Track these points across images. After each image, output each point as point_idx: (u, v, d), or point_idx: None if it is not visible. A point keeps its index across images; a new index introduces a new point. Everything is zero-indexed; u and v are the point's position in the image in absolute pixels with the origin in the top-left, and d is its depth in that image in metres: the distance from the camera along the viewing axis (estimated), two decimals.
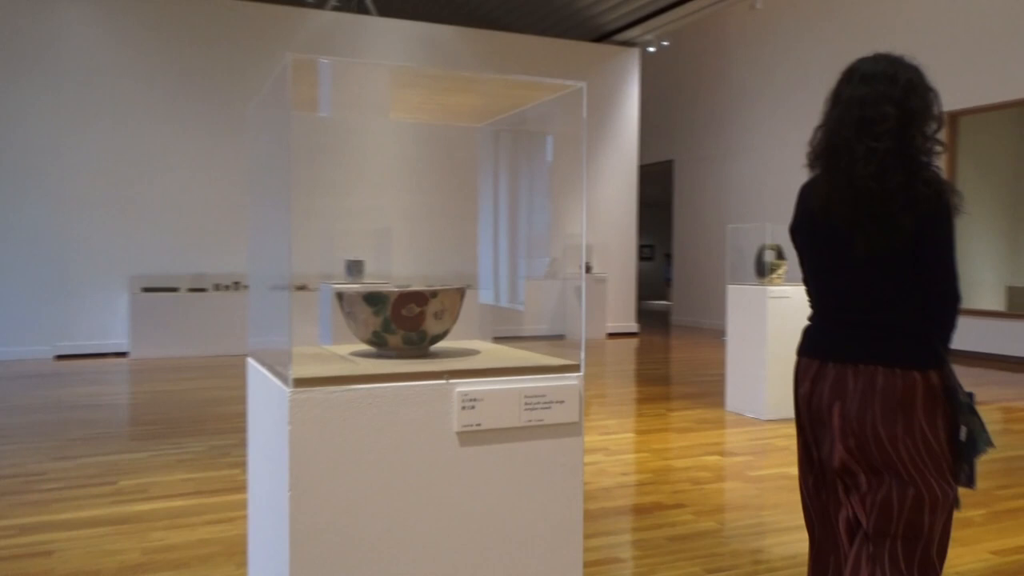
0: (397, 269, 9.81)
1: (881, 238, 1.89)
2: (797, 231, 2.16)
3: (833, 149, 1.96)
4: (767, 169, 13.35)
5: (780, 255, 6.65)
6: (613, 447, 5.48)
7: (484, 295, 9.16)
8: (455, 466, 1.63)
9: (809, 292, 2.16)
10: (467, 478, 1.64)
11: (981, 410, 1.98)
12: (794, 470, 4.93)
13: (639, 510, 4.22)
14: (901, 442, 1.90)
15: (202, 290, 10.39)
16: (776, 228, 7.75)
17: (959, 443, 1.92)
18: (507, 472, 1.67)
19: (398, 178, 11.12)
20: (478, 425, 1.62)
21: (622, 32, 13.26)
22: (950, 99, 10.42)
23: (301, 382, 1.51)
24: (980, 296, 10.82)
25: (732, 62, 14.28)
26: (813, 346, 2.08)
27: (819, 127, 2.04)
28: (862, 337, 1.96)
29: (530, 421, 1.66)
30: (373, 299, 1.71)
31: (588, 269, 12.61)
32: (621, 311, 13.05)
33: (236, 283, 10.54)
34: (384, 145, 11.22)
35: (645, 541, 3.74)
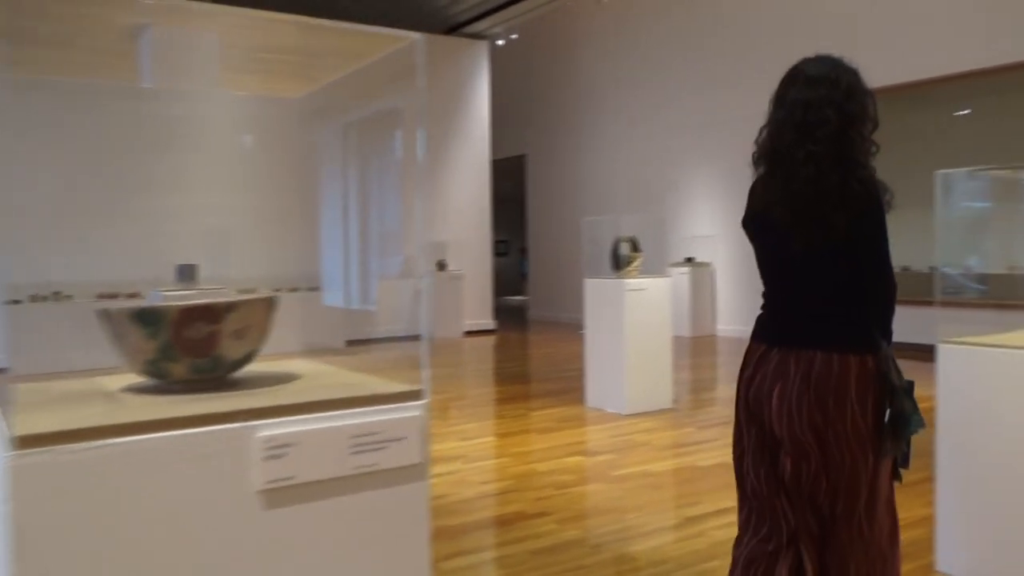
0: (238, 272, 9.12)
1: (817, 236, 2.00)
2: (747, 225, 2.23)
3: (775, 151, 2.07)
4: (618, 162, 13.46)
5: (635, 247, 6.57)
6: (473, 454, 5.19)
7: (332, 297, 8.66)
8: (258, 536, 1.24)
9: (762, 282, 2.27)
10: (275, 550, 1.25)
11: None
12: (655, 467, 4.84)
13: (501, 522, 3.95)
14: (833, 422, 2.01)
15: (16, 302, 9.29)
16: (631, 220, 7.71)
17: (885, 424, 2.04)
18: (331, 536, 1.31)
19: (232, 169, 10.39)
20: (290, 479, 1.25)
21: (471, 24, 13.00)
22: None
23: (29, 440, 1.06)
24: None
25: (582, 56, 14.33)
26: (762, 332, 2.19)
27: (764, 127, 2.12)
28: (804, 325, 2.09)
29: (360, 468, 1.30)
30: (147, 318, 1.31)
31: (442, 267, 12.29)
32: (478, 308, 12.82)
33: (56, 293, 9.51)
34: (213, 127, 10.45)
35: (508, 557, 3.47)
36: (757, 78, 11.12)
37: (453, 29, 13.15)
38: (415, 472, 1.36)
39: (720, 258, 11.74)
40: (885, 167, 2.15)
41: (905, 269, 10.67)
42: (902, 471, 2.14)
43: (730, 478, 4.51)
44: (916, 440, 2.11)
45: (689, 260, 11.83)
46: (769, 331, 2.16)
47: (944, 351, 3.03)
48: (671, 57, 12.46)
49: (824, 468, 2.05)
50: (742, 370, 2.22)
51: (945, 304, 3.34)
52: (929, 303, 3.23)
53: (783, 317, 2.15)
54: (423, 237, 12.28)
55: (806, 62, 2.12)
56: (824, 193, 1.98)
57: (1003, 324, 3.30)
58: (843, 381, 2.01)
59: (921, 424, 2.05)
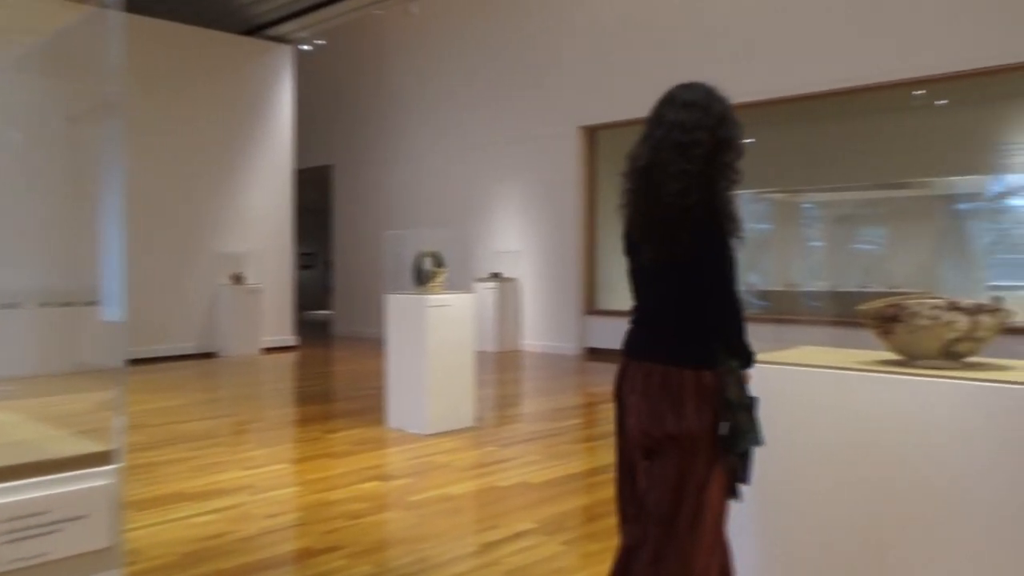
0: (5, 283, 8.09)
1: (663, 252, 2.15)
2: (624, 239, 2.34)
3: (651, 165, 2.17)
4: (427, 175, 13.33)
5: (439, 262, 6.42)
6: (260, 483, 4.80)
7: (110, 312, 7.85)
8: None
9: None
10: None
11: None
12: (455, 489, 4.67)
13: (285, 561, 3.63)
14: (670, 433, 2.14)
15: None
16: (436, 234, 7.56)
17: (720, 437, 2.13)
18: None
19: None
20: None
21: (274, 27, 12.43)
22: (590, 115, 11.20)
23: None
24: (618, 297, 11.68)
25: (390, 66, 14.09)
26: (626, 345, 2.32)
27: (642, 142, 2.24)
28: (653, 339, 2.24)
29: (19, 562, 0.98)
30: None
31: (239, 280, 11.59)
32: (278, 324, 12.19)
33: None
34: None
35: None
36: (564, 94, 11.45)
37: (255, 30, 12.51)
38: (102, 560, 1.05)
39: (526, 273, 11.88)
40: None
41: None
42: (741, 487, 2.23)
43: (529, 497, 4.46)
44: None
45: (495, 275, 11.87)
46: (628, 344, 2.30)
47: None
48: (479, 70, 12.52)
49: (660, 476, 2.18)
50: (615, 381, 2.36)
51: None
52: None
53: (638, 331, 2.29)
54: (224, 246, 11.54)
55: (681, 88, 2.25)
56: (682, 211, 2.09)
57: (783, 339, 3.42)
58: (680, 394, 2.13)
59: (756, 441, 2.17)
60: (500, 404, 7.66)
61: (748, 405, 2.16)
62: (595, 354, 11.01)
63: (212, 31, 11.87)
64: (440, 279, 6.39)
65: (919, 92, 9.23)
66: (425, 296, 6.17)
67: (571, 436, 6.09)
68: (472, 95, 12.59)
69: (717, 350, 2.14)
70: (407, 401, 6.19)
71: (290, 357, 11.45)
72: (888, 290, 9.14)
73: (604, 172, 11.34)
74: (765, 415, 2.86)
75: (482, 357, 11.44)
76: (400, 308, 6.35)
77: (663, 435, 2.15)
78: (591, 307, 11.30)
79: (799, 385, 2.81)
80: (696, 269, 2.14)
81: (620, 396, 2.31)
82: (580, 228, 11.30)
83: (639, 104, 10.27)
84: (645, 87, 10.83)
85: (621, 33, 10.81)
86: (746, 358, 2.19)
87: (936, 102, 9.54)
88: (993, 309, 2.70)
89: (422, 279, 6.37)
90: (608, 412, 7.29)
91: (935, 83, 8.69)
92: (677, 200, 2.10)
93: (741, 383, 2.15)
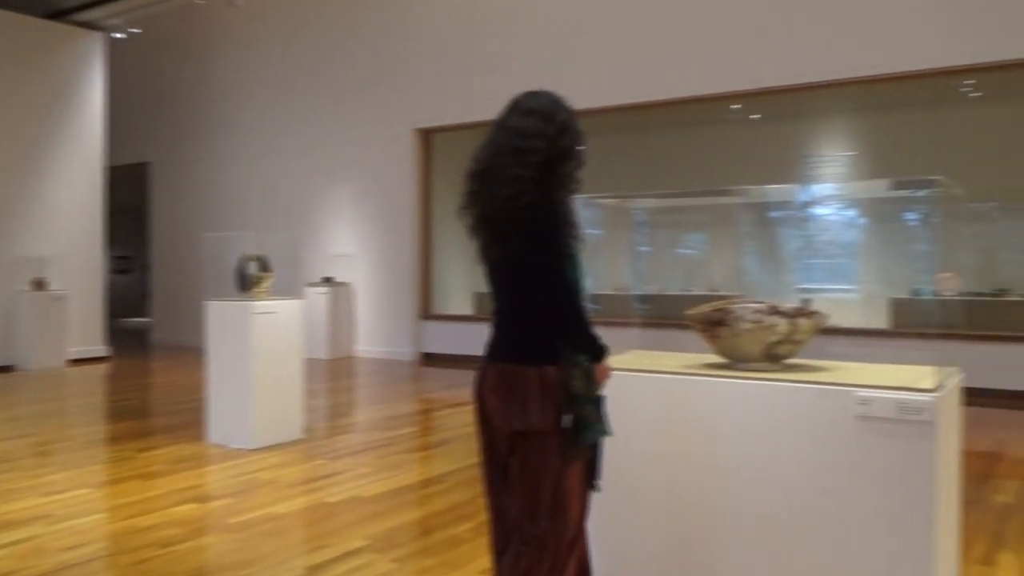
0: None
1: (497, 250, 2.24)
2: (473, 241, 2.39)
3: (489, 168, 2.23)
4: (255, 175, 12.73)
5: (265, 267, 6.09)
6: (59, 511, 4.33)
7: None
8: None
9: None
10: None
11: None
12: (281, 508, 4.38)
13: None
14: (523, 429, 2.19)
15: None
16: (262, 237, 7.17)
17: (565, 430, 2.17)
18: None
19: None
20: None
21: (82, 12, 11.45)
22: (426, 118, 11.06)
23: None
24: (453, 301, 11.63)
25: (216, 60, 13.35)
26: (485, 346, 2.35)
27: (484, 146, 2.29)
28: (502, 339, 2.31)
29: None
30: None
31: (41, 286, 10.58)
32: (87, 333, 11.22)
33: None
34: None
35: None
36: (400, 95, 11.24)
37: (59, 15, 11.47)
38: None
39: (361, 277, 11.59)
40: None
41: None
42: (598, 482, 2.30)
43: (360, 512, 4.27)
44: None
45: (328, 280, 11.50)
46: (486, 345, 2.35)
47: None
48: (312, 68, 12.09)
49: (518, 474, 2.23)
50: (474, 384, 2.39)
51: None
52: None
53: (493, 331, 2.34)
54: (26, 250, 10.48)
55: (527, 95, 2.31)
56: (512, 213, 2.15)
57: (613, 342, 3.43)
58: (525, 392, 2.19)
59: (603, 432, 2.23)
60: (331, 414, 7.37)
61: (595, 399, 2.20)
62: (431, 359, 10.89)
63: (11, 13, 10.77)
64: (266, 284, 6.06)
65: (735, 106, 9.78)
66: (249, 302, 5.82)
67: (405, 445, 5.94)
68: (305, 93, 12.14)
69: (560, 346, 2.19)
70: (230, 414, 5.82)
71: (100, 369, 10.56)
72: (709, 293, 9.60)
73: (440, 175, 11.26)
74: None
75: (313, 365, 11.05)
76: (222, 315, 5.96)
77: (513, 432, 2.22)
78: (427, 312, 11.17)
79: (630, 390, 2.81)
80: (529, 268, 2.19)
81: (480, 397, 2.34)
82: (416, 232, 11.15)
83: (475, 108, 10.36)
84: (481, 91, 10.97)
85: (459, 35, 10.76)
86: (595, 352, 2.24)
87: (751, 116, 10.14)
88: (810, 313, 2.81)
89: (246, 284, 6.01)
90: (445, 419, 7.21)
91: (749, 98, 9.22)
92: (507, 203, 2.16)
93: (589, 376, 2.20)
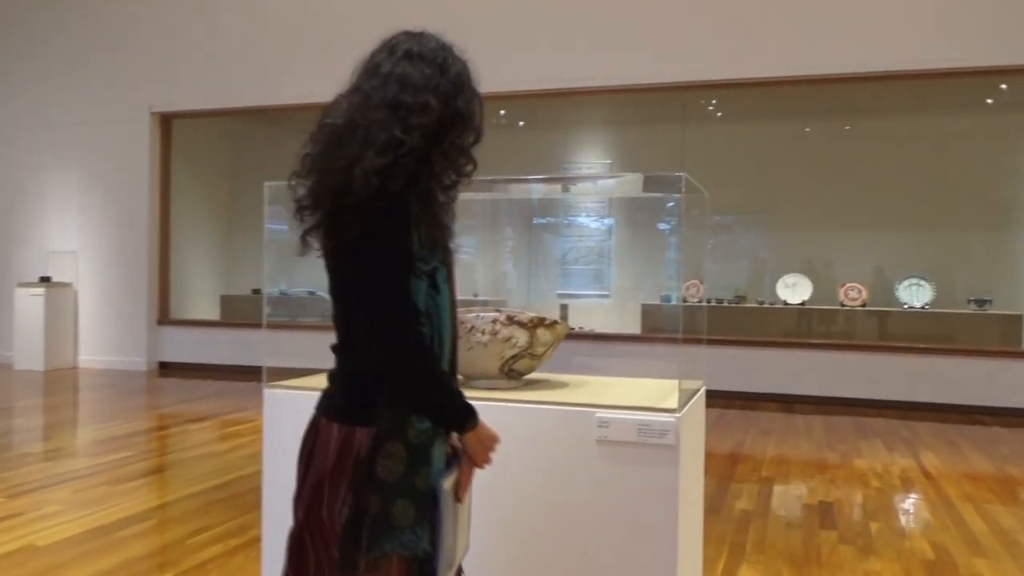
0: None
1: (328, 242, 1.54)
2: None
3: (352, 126, 1.52)
4: None
5: None
6: None
7: None
8: None
9: None
10: None
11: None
12: None
13: None
14: (309, 513, 1.55)
15: None
16: None
17: (347, 531, 1.49)
18: None
19: None
20: None
21: None
22: (166, 101, 9.93)
23: None
24: (196, 305, 10.60)
25: None
26: None
27: (343, 96, 1.60)
28: (329, 374, 1.65)
29: None
30: None
31: None
32: None
33: None
34: None
35: None
36: (135, 75, 10.01)
37: None
38: None
39: (85, 277, 10.22)
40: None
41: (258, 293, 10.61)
42: None
43: (27, 569, 3.48)
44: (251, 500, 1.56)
45: (45, 280, 10.03)
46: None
47: (270, 396, 2.55)
48: (32, 40, 10.52)
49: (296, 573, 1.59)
50: None
51: (275, 327, 2.96)
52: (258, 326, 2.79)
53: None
54: None
55: (407, 35, 1.64)
56: (369, 191, 1.46)
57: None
58: (321, 459, 1.55)
59: (407, 546, 1.50)
60: (28, 438, 6.27)
61: (417, 492, 1.52)
62: (170, 369, 9.83)
63: None
64: None
65: (503, 112, 9.67)
66: None
67: (114, 474, 5.08)
68: (24, 66, 10.53)
69: (376, 396, 1.52)
70: None
71: None
72: (471, 298, 9.39)
73: (180, 166, 10.21)
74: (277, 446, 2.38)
75: (23, 378, 9.57)
76: None
77: (304, 514, 1.58)
78: (165, 316, 10.06)
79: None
80: (353, 275, 1.53)
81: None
82: (152, 227, 10.00)
83: (221, 93, 9.40)
84: (228, 76, 10.01)
85: (203, 11, 9.78)
86: (446, 415, 1.57)
87: (519, 123, 10.09)
88: (551, 323, 2.51)
89: None
90: (175, 438, 6.34)
91: (513, 101, 9.11)
92: (375, 179, 1.46)
93: (418, 450, 1.53)
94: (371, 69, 1.61)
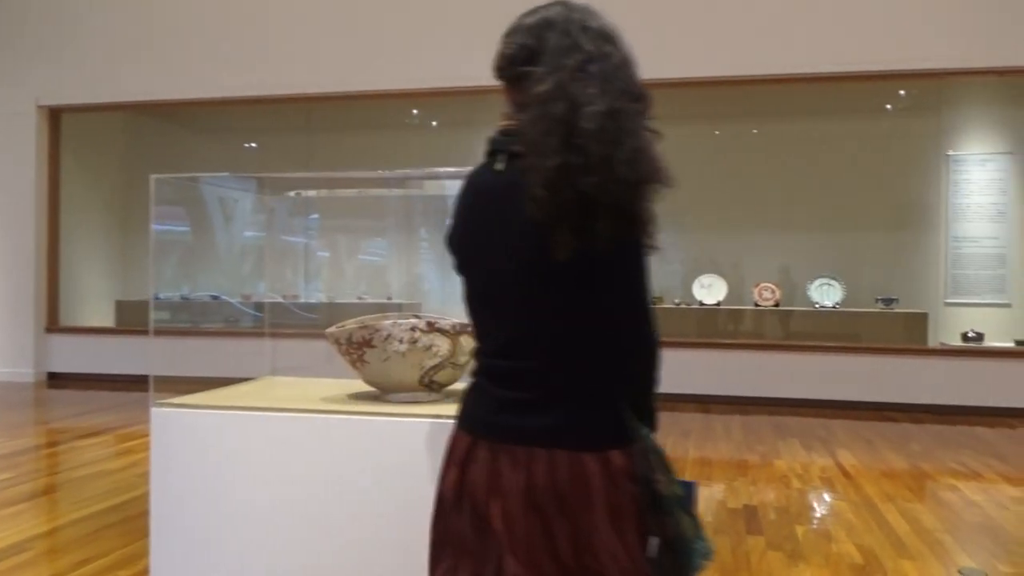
0: None
1: (561, 245, 1.27)
2: (452, 244, 1.48)
3: (616, 112, 1.28)
4: None
5: None
6: None
7: None
8: None
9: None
10: None
11: None
12: None
13: None
14: (579, 569, 1.29)
15: None
16: None
17: (653, 558, 1.32)
18: None
19: None
20: None
21: None
22: (55, 93, 9.25)
23: None
24: (87, 311, 9.97)
25: None
26: (466, 414, 1.43)
27: (548, 72, 1.31)
28: (525, 397, 1.34)
29: None
30: None
31: None
32: None
33: None
34: None
35: None
36: (22, 63, 9.33)
37: None
38: None
39: None
40: None
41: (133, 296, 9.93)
42: None
43: None
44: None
45: None
46: (474, 412, 1.42)
47: (159, 416, 2.27)
48: None
49: None
50: (442, 474, 1.45)
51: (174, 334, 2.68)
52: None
53: (489, 388, 1.40)
54: None
55: (582, 10, 1.37)
56: (630, 189, 1.29)
57: (253, 361, 2.77)
58: (582, 496, 1.29)
59: (706, 554, 1.38)
60: None
61: (683, 497, 1.38)
62: (59, 380, 9.19)
63: None
64: None
65: (416, 111, 9.42)
66: None
67: None
68: None
69: (625, 413, 1.35)
70: None
71: None
72: (386, 301, 9.10)
73: (71, 163, 9.57)
74: (200, 465, 2.13)
75: None
76: None
77: (567, 571, 1.31)
78: (54, 323, 9.40)
79: (243, 433, 2.12)
80: (610, 277, 1.32)
81: (473, 496, 1.36)
82: (40, 228, 9.32)
83: (117, 85, 8.77)
84: (125, 66, 9.38)
85: (96, 1, 9.18)
86: (653, 419, 1.42)
87: (432, 123, 9.84)
88: None
89: None
90: (64, 456, 5.85)
91: (424, 100, 8.87)
92: (630, 175, 1.27)
93: (667, 462, 1.38)
94: (569, 48, 1.36)
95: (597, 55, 1.33)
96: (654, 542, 1.34)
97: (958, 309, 8.46)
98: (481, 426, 1.39)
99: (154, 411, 2.28)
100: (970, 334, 8.07)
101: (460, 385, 2.48)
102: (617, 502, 1.31)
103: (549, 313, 1.34)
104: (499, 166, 1.40)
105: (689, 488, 1.42)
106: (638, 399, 1.37)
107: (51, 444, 6.22)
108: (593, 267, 1.31)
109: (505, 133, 1.42)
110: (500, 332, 1.39)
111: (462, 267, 1.47)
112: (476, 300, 1.45)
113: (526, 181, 1.29)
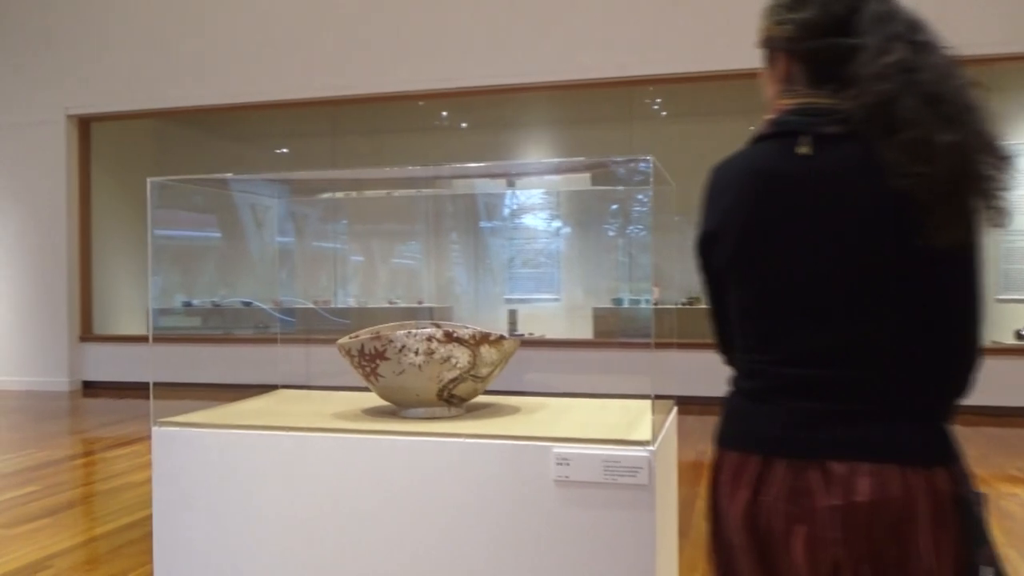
0: None
1: (944, 231, 1.13)
2: (727, 240, 1.31)
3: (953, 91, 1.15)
4: None
5: None
6: None
7: None
8: None
9: (728, 338, 1.41)
10: None
11: None
12: None
13: None
14: None
15: None
16: None
17: None
18: None
19: None
20: None
21: None
22: (84, 103, 9.26)
23: None
24: (120, 319, 9.98)
25: None
26: (745, 430, 1.29)
27: (888, 40, 1.18)
28: (830, 412, 1.20)
29: None
30: None
31: None
32: None
33: None
34: None
35: None
36: (51, 75, 9.35)
37: None
38: None
39: None
40: None
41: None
42: None
43: None
44: None
45: None
46: (751, 428, 1.29)
47: (159, 435, 2.13)
48: None
49: None
50: (718, 500, 1.32)
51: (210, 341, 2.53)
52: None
53: (784, 400, 1.25)
54: None
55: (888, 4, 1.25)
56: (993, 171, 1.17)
57: (269, 369, 2.63)
58: (908, 516, 1.17)
59: None
60: None
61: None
62: (94, 388, 9.19)
63: None
64: None
65: (444, 113, 9.29)
66: None
67: (10, 515, 4.52)
68: None
69: (945, 428, 1.24)
70: None
71: None
72: (416, 305, 8.97)
73: (102, 171, 9.58)
74: (199, 483, 1.98)
75: None
76: None
77: None
78: (88, 332, 9.41)
79: (256, 451, 1.97)
80: (953, 274, 1.19)
81: (763, 525, 1.24)
82: (72, 237, 9.34)
83: (144, 93, 8.67)
84: (151, 73, 9.31)
85: (121, 9, 9.18)
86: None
87: (461, 124, 9.69)
88: (496, 339, 2.12)
89: None
90: (96, 467, 5.78)
91: (448, 100, 8.72)
92: (1000, 152, 1.16)
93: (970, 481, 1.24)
94: (915, 25, 1.26)
95: (914, 20, 1.22)
96: (988, 572, 1.18)
97: (1011, 306, 8.10)
98: (776, 443, 1.24)
99: (155, 430, 2.14)
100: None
101: (482, 398, 2.30)
102: (942, 523, 1.17)
103: (880, 315, 1.20)
104: (804, 149, 1.24)
105: (981, 498, 1.26)
106: (946, 411, 1.25)
107: (81, 455, 6.16)
108: (936, 262, 1.17)
109: (802, 113, 1.27)
110: (804, 337, 1.24)
111: (737, 266, 1.31)
112: (764, 302, 1.28)
113: (887, 160, 1.15)
